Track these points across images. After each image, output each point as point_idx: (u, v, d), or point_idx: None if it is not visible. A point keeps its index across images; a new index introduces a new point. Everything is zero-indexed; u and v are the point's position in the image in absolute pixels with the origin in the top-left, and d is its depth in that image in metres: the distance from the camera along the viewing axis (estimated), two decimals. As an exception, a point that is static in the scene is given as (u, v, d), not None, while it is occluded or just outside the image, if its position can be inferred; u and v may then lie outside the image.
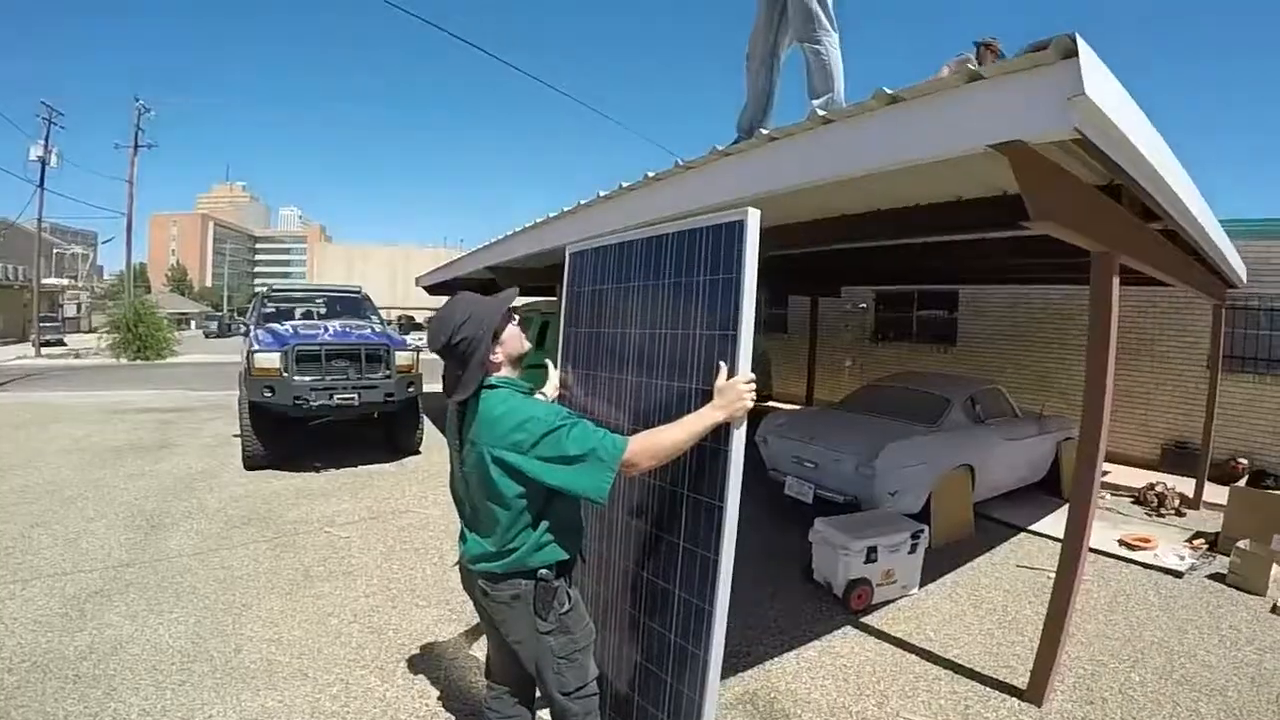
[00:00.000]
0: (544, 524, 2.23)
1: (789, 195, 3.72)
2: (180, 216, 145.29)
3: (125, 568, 5.22)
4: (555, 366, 3.32)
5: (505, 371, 2.30)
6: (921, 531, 5.16)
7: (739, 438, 2.28)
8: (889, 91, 2.93)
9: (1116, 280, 3.75)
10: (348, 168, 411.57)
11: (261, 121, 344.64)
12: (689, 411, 2.30)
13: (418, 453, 9.38)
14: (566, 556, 2.32)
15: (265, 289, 11.44)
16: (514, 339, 2.32)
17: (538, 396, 2.95)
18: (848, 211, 4.53)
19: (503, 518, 2.18)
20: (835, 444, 6.39)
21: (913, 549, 5.10)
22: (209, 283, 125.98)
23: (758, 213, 2.33)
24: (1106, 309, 3.71)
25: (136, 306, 29.36)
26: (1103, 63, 2.65)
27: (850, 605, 4.80)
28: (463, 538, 2.39)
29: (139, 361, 27.36)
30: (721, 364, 2.30)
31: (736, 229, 2.37)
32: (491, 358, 2.24)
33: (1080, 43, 2.42)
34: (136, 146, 33.11)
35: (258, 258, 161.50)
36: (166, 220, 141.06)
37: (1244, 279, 8.07)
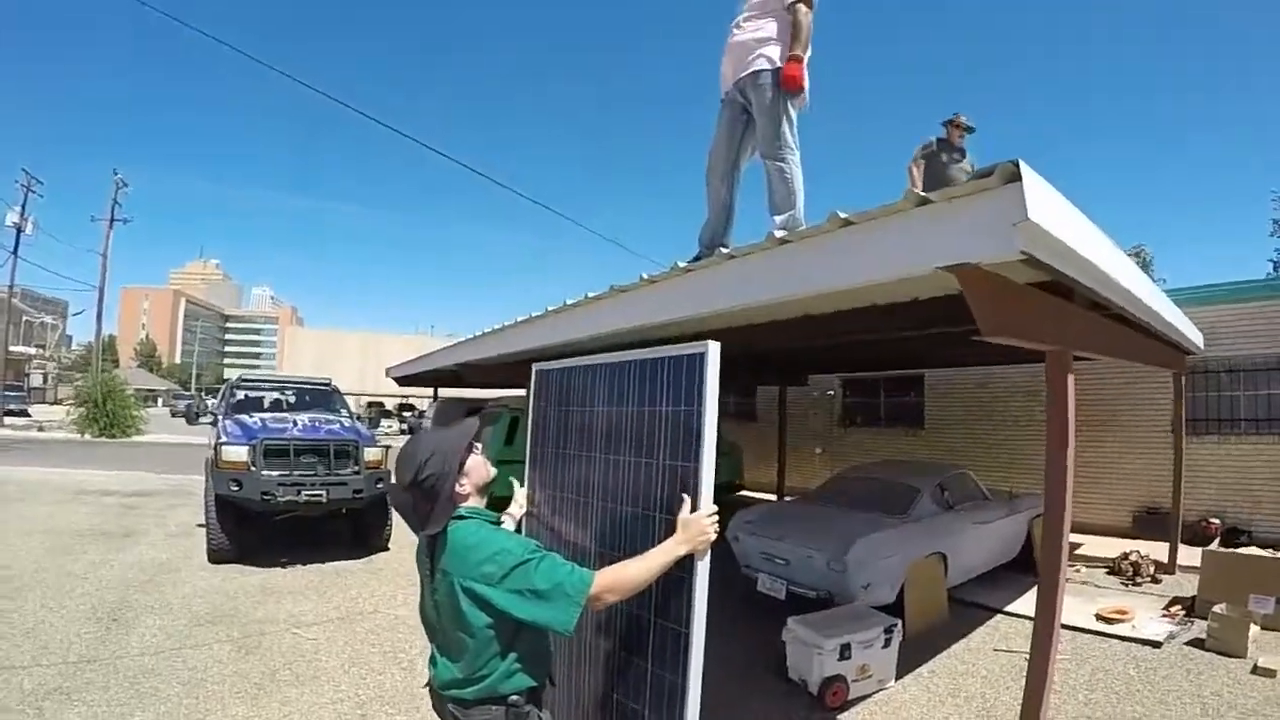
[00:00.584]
0: (513, 652, 2.21)
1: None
2: (152, 290, 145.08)
3: (86, 664, 5.07)
4: (521, 483, 3.32)
5: (473, 501, 2.31)
6: (895, 625, 5.15)
7: (703, 568, 2.30)
8: (842, 215, 3.03)
9: (1071, 376, 3.85)
10: (322, 251, 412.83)
11: (238, 200, 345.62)
12: (653, 538, 2.34)
13: (386, 549, 9.22)
14: (536, 683, 2.30)
15: (235, 378, 11.40)
16: (478, 468, 2.34)
17: (505, 516, 2.95)
18: (810, 312, 4.62)
19: (472, 645, 2.17)
20: (806, 541, 6.38)
21: (886, 643, 5.08)
22: (178, 359, 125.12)
23: (717, 345, 2.38)
24: (1063, 403, 3.82)
25: (105, 382, 28.97)
26: (1046, 182, 2.77)
27: (826, 703, 4.75)
28: (433, 661, 2.36)
29: (104, 439, 26.87)
30: (685, 496, 2.33)
31: (697, 361, 2.42)
32: (458, 489, 2.25)
33: (1024, 167, 2.52)
34: (113, 220, 33.16)
35: (228, 337, 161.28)
36: (138, 293, 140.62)
37: (1200, 345, 8.30)
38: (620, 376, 2.81)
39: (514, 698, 2.22)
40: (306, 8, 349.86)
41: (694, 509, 2.31)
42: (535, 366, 3.47)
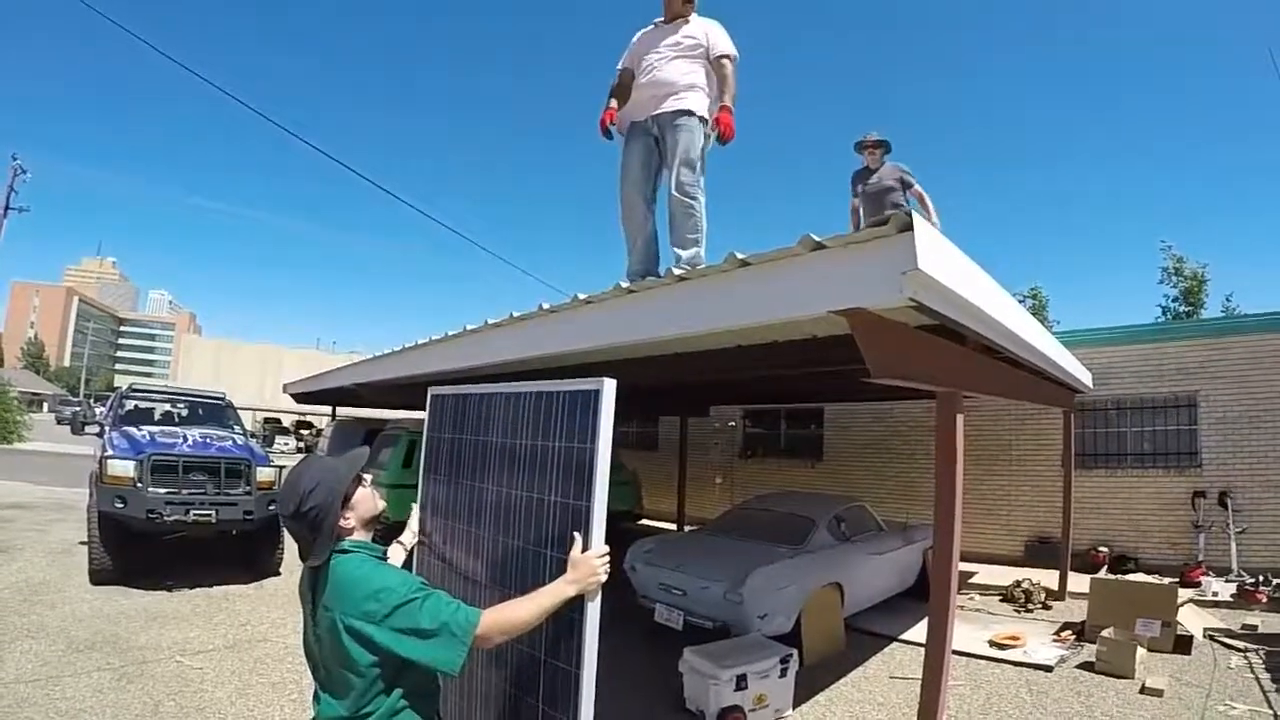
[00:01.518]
0: (398, 690, 2.14)
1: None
2: (44, 287, 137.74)
3: (-45, 691, 4.75)
4: (415, 508, 3.26)
5: (358, 534, 2.25)
6: (791, 655, 5.20)
7: (594, 608, 2.27)
8: (740, 256, 3.07)
9: (960, 415, 3.99)
10: (224, 257, 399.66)
11: (140, 198, 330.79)
12: (545, 575, 2.31)
13: (278, 574, 8.87)
14: (427, 715, 2.25)
15: (125, 387, 10.89)
16: (365, 501, 2.27)
17: (396, 544, 2.86)
18: (710, 347, 4.68)
19: (356, 684, 2.08)
20: (703, 571, 6.41)
21: (783, 673, 5.12)
22: (67, 362, 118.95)
23: (613, 383, 2.37)
24: (952, 440, 3.96)
25: (-11, 383, 27.31)
26: (937, 232, 2.86)
27: (722, 733, 4.75)
28: (316, 698, 2.26)
29: (-16, 443, 25.29)
30: (576, 535, 2.30)
31: (592, 398, 2.40)
32: (343, 522, 2.19)
33: (915, 218, 2.61)
34: (8, 208, 31.32)
35: (121, 341, 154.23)
36: (29, 289, 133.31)
37: (1089, 384, 8.74)
38: (516, 407, 2.77)
39: None
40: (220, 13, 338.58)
41: (585, 548, 2.28)
42: (431, 390, 3.41)
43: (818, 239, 2.84)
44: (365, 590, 2.06)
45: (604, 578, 2.26)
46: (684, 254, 4.44)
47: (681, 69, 4.65)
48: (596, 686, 2.27)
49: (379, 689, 2.10)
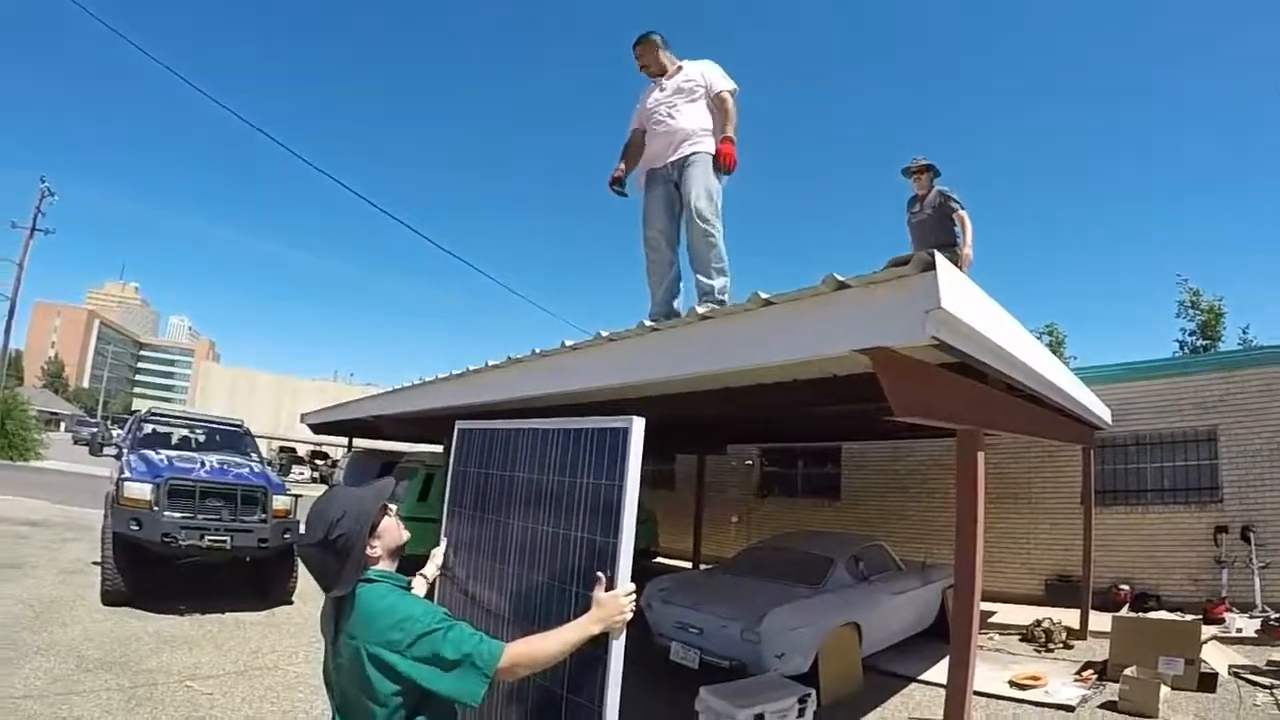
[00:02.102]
0: (419, 715, 2.11)
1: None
2: (66, 308, 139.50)
3: (-37, 705, 4.75)
4: (437, 542, 3.23)
5: (383, 564, 2.26)
6: (809, 695, 5.13)
7: (618, 646, 2.25)
8: (764, 295, 3.08)
9: (981, 453, 3.95)
10: (246, 287, 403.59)
11: (165, 224, 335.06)
12: (569, 612, 2.29)
13: (290, 602, 8.84)
14: None
15: (144, 411, 10.98)
16: (391, 531, 2.28)
17: (419, 576, 2.84)
18: (730, 385, 4.68)
19: (378, 713, 2.06)
20: (720, 610, 6.35)
21: (801, 713, 5.04)
22: (86, 383, 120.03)
23: (642, 421, 2.36)
24: (973, 478, 3.92)
25: (7, 400, 27.49)
26: (959, 272, 2.85)
27: (739, 774, 4.68)
28: None
29: (1, 461, 25.40)
30: (601, 575, 2.28)
31: (620, 436, 2.40)
32: (369, 551, 2.19)
33: (938, 258, 2.60)
34: (34, 229, 31.74)
35: (140, 365, 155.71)
36: (51, 310, 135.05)
37: (1108, 420, 8.64)
38: (544, 443, 2.77)
39: None
40: (248, 45, 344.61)
41: (610, 587, 2.27)
42: (458, 424, 3.41)
43: (841, 278, 2.84)
44: (390, 619, 2.05)
45: (629, 616, 2.25)
46: (714, 284, 4.54)
47: (690, 115, 4.84)
48: None
49: (399, 718, 2.08)
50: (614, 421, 2.46)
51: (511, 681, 2.23)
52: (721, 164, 4.71)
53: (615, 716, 2.24)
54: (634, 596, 2.29)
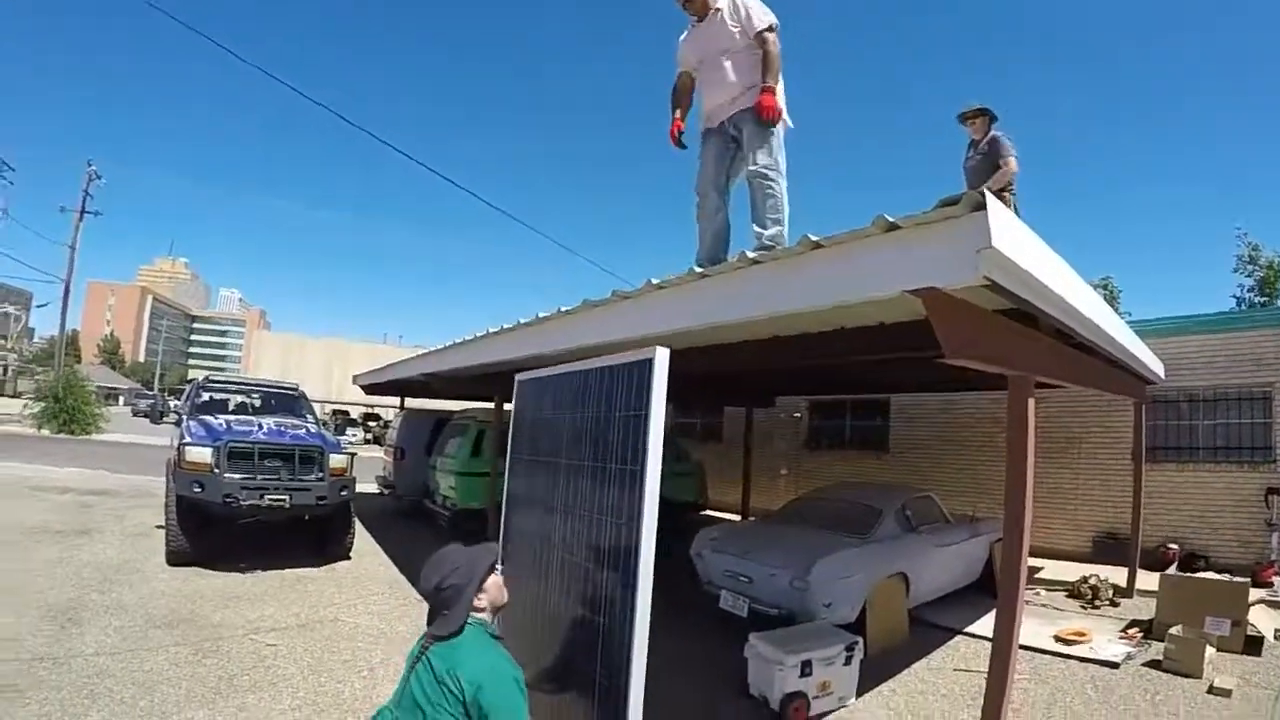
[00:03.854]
0: None
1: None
2: (119, 287, 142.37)
3: (38, 662, 4.98)
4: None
5: (484, 616, 2.56)
6: (856, 643, 5.18)
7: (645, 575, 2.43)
8: (813, 238, 3.08)
9: (1032, 401, 3.93)
10: (293, 256, 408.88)
11: (211, 198, 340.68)
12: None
13: (348, 558, 9.10)
14: None
15: (201, 379, 11.22)
16: (495, 588, 2.59)
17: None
18: (779, 333, 4.69)
19: None
20: (769, 559, 6.41)
21: (848, 660, 5.11)
22: (141, 358, 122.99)
23: (666, 351, 2.48)
24: (1024, 427, 3.89)
25: (67, 377, 28.33)
26: (1010, 212, 2.84)
27: (787, 719, 4.76)
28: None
29: (63, 435, 26.20)
30: None
31: (647, 366, 2.64)
32: (476, 602, 2.51)
33: (988, 197, 2.59)
34: (84, 212, 32.47)
35: (194, 337, 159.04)
36: (104, 289, 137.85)
37: (1162, 375, 8.48)
38: (584, 384, 3.03)
39: None
40: (294, 11, 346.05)
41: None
42: (517, 377, 3.53)
43: (891, 219, 2.84)
44: (499, 673, 2.38)
45: None
46: (765, 232, 4.44)
47: (743, 65, 4.67)
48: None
49: None
50: (641, 354, 2.68)
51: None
52: (762, 117, 4.51)
53: (645, 642, 2.44)
54: None
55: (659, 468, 2.52)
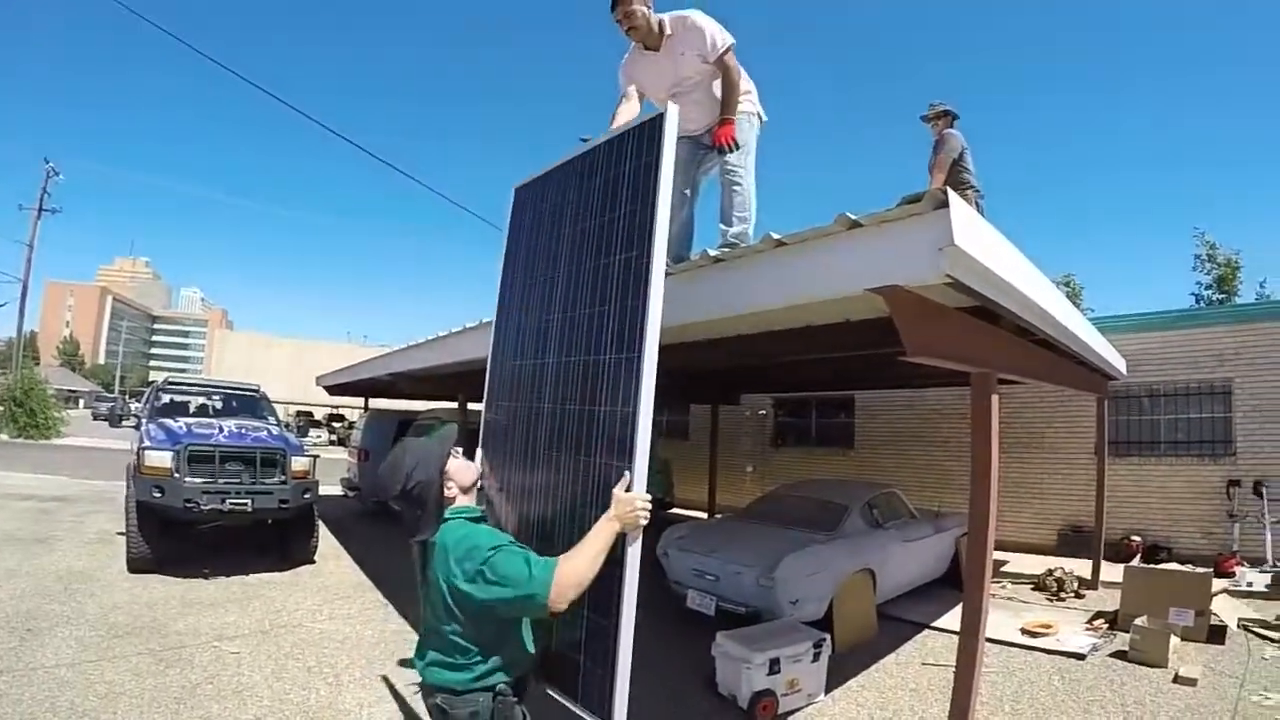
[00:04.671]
0: (498, 642, 2.34)
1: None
2: (78, 287, 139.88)
3: (-2, 674, 4.85)
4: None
5: (461, 501, 2.47)
6: (823, 640, 5.20)
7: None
8: (776, 236, 3.08)
9: (995, 398, 3.96)
10: (257, 255, 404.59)
11: (173, 195, 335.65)
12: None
13: (312, 562, 8.98)
14: (522, 673, 2.46)
15: (161, 380, 11.03)
16: (461, 471, 2.48)
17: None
18: (744, 331, 4.68)
19: (459, 638, 2.29)
20: (735, 557, 6.41)
21: (816, 657, 5.12)
22: (102, 360, 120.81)
23: (675, 108, 2.67)
24: (987, 423, 3.92)
25: (26, 380, 27.74)
26: (973, 210, 2.85)
27: (756, 717, 4.76)
28: (421, 656, 2.45)
29: (21, 440, 25.69)
30: (627, 473, 2.42)
31: (658, 123, 2.70)
32: (447, 493, 2.42)
33: (951, 195, 2.60)
34: (41, 210, 31.81)
35: (155, 339, 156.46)
36: (63, 289, 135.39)
37: (1123, 371, 8.62)
38: (589, 174, 3.05)
39: (500, 686, 2.35)
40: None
41: (630, 487, 2.40)
42: (515, 187, 3.63)
43: (853, 217, 2.84)
44: (462, 549, 2.27)
45: (644, 522, 2.38)
46: (730, 230, 4.39)
47: (713, 95, 4.47)
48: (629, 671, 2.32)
49: (480, 643, 2.32)
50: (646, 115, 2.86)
51: (563, 607, 2.25)
52: (723, 144, 4.30)
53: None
54: (650, 505, 2.39)
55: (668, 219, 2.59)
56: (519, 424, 3.19)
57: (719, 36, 4.30)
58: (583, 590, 2.27)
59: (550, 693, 2.64)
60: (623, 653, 2.35)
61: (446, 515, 2.40)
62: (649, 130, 2.72)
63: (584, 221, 2.95)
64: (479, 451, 3.39)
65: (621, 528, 2.34)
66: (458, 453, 2.51)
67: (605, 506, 2.39)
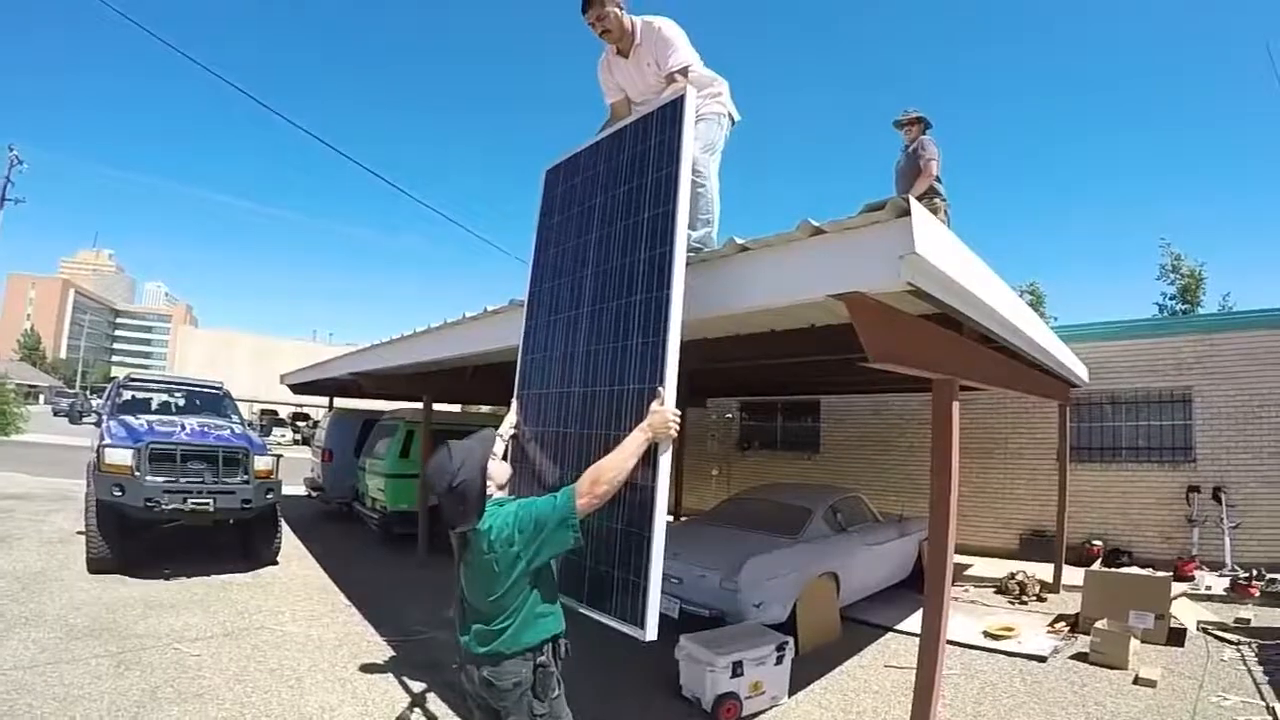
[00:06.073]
0: (534, 613, 2.65)
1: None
2: (40, 279, 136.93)
3: (-48, 679, 4.75)
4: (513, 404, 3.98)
5: (496, 494, 2.76)
6: (786, 643, 5.22)
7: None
8: (739, 241, 3.10)
9: (956, 404, 4.01)
10: (222, 250, 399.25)
11: (136, 187, 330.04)
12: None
13: (275, 563, 8.89)
14: (559, 630, 2.75)
15: (122, 377, 10.85)
16: (500, 470, 2.84)
17: (497, 438, 3.39)
18: (707, 336, 4.70)
19: (500, 608, 2.59)
20: (699, 560, 6.41)
21: (779, 660, 5.14)
22: (63, 354, 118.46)
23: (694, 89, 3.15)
24: (948, 429, 3.98)
25: (-14, 376, 27.14)
26: (936, 221, 2.89)
27: (720, 719, 4.77)
28: (465, 631, 2.73)
29: (-19, 436, 25.15)
30: (660, 389, 2.89)
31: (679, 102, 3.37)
32: (488, 490, 2.67)
33: (913, 203, 2.63)
34: (3, 199, 31.10)
35: (118, 333, 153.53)
36: (24, 281, 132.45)
37: (1085, 378, 8.77)
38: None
39: (542, 658, 2.66)
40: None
41: (663, 402, 2.86)
42: (546, 170, 4.21)
43: (816, 224, 2.87)
44: (506, 528, 2.59)
45: (674, 433, 2.80)
46: (693, 234, 4.32)
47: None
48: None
49: (518, 611, 2.62)
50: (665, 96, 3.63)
51: (599, 505, 2.66)
52: None
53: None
54: (679, 419, 2.83)
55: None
56: (554, 364, 3.70)
57: (675, 56, 4.15)
58: (612, 488, 2.65)
59: (583, 610, 3.04)
60: (654, 562, 2.83)
61: (488, 508, 2.64)
62: (670, 111, 3.33)
63: (614, 189, 3.51)
64: (513, 402, 3.97)
65: (654, 436, 2.75)
66: (496, 454, 2.79)
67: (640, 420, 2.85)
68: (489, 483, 2.68)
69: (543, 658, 2.65)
